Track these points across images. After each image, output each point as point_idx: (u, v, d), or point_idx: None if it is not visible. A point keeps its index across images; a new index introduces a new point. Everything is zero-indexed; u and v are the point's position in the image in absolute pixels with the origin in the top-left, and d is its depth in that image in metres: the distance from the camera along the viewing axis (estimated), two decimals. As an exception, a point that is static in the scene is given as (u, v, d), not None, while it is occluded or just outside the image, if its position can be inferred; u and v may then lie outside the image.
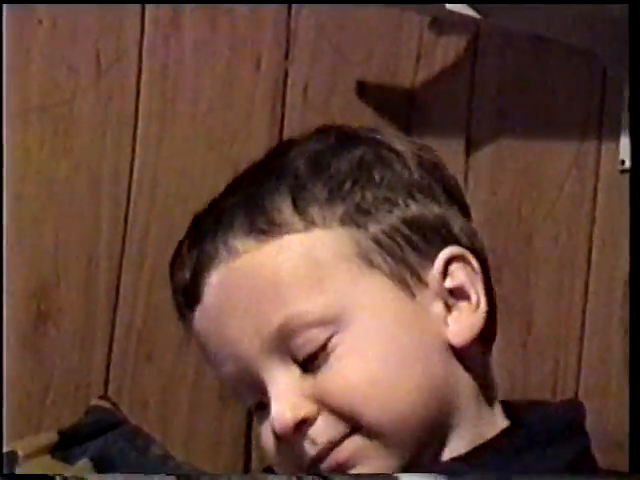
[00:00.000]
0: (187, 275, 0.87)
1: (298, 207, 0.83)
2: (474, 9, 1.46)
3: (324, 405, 0.83)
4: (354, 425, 0.82)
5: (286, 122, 1.52)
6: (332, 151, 0.87)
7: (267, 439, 0.86)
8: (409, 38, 1.58)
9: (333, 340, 0.82)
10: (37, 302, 1.47)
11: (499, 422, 0.88)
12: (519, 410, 0.89)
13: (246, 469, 1.48)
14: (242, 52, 1.51)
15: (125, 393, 1.46)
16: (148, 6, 1.47)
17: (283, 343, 0.83)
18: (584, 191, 1.57)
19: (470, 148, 1.58)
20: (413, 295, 0.84)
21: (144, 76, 1.49)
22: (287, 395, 0.84)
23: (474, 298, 0.85)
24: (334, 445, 0.83)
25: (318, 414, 0.83)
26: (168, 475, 1.14)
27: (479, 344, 0.86)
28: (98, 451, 1.26)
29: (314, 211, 0.83)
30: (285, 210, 0.83)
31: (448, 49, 1.58)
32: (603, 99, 1.57)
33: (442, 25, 1.55)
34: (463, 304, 0.85)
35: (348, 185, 0.84)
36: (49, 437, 1.29)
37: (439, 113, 1.58)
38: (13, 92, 1.42)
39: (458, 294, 0.85)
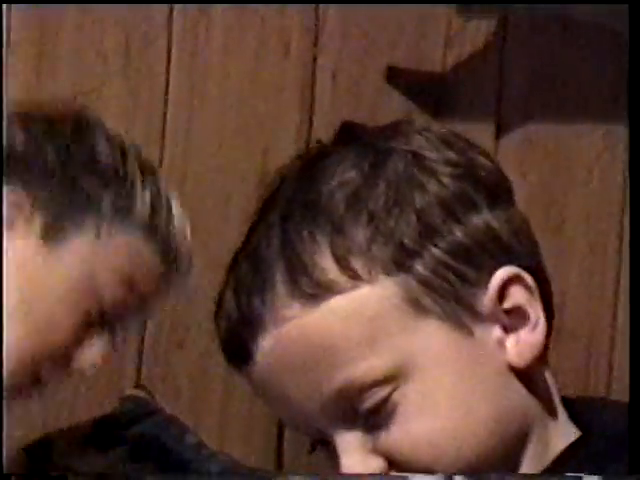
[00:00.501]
0: (233, 333, 0.85)
1: (340, 262, 0.80)
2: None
3: (392, 460, 0.81)
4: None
5: (316, 108, 1.51)
6: (367, 182, 0.82)
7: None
8: (438, 22, 1.56)
9: (395, 395, 0.80)
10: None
11: (567, 431, 0.86)
12: (582, 410, 0.88)
13: (279, 456, 1.49)
14: (271, 38, 1.50)
15: (157, 381, 1.47)
16: (177, -7, 1.47)
17: (346, 403, 0.81)
18: (615, 174, 1.56)
19: (500, 132, 1.56)
20: (471, 332, 0.81)
21: (173, 62, 1.48)
22: (356, 451, 0.82)
23: (533, 317, 0.82)
24: None
25: (388, 470, 0.81)
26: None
27: (539, 361, 0.84)
28: (133, 440, 1.26)
29: (357, 264, 0.80)
30: (329, 268, 0.80)
31: (477, 33, 1.56)
32: (632, 80, 1.56)
33: (470, 10, 1.54)
34: (521, 324, 0.83)
35: (389, 224, 0.81)
36: (84, 426, 1.29)
37: (468, 97, 1.57)
38: (43, 79, 1.42)
39: (515, 314, 0.82)
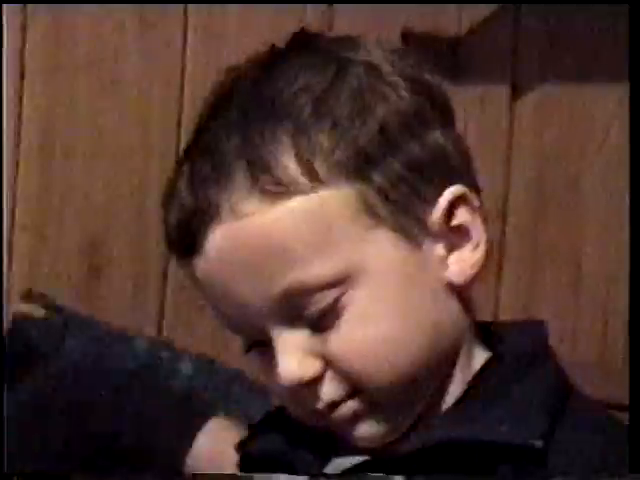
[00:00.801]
0: (185, 223, 0.86)
1: (303, 162, 0.82)
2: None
3: (331, 365, 0.84)
4: (359, 387, 0.84)
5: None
6: (332, 88, 0.84)
7: (270, 380, 0.88)
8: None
9: (342, 299, 0.83)
10: (89, 256, 1.51)
11: (482, 352, 0.90)
12: (492, 332, 0.92)
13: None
14: (287, 5, 1.54)
15: (178, 344, 1.51)
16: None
17: (292, 304, 0.84)
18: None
19: (516, 93, 1.59)
20: (419, 246, 0.84)
21: (189, 32, 1.52)
22: (295, 353, 0.85)
23: (475, 237, 0.85)
24: (337, 404, 0.84)
25: (324, 373, 0.84)
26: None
27: (476, 280, 0.87)
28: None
29: (320, 166, 0.81)
30: (291, 167, 0.81)
31: (491, -5, 1.60)
32: (648, 42, 1.57)
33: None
34: (464, 243, 0.86)
35: (352, 131, 0.83)
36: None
37: (484, 59, 1.60)
38: (62, 48, 1.46)
39: (459, 233, 0.86)
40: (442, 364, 0.87)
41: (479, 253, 0.86)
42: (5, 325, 1.40)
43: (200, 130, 0.88)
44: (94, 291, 1.53)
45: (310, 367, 0.85)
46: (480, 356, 0.90)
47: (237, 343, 1.48)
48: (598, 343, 1.55)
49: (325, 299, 0.83)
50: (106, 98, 1.48)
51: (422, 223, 0.84)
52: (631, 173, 1.13)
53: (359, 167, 0.82)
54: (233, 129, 0.84)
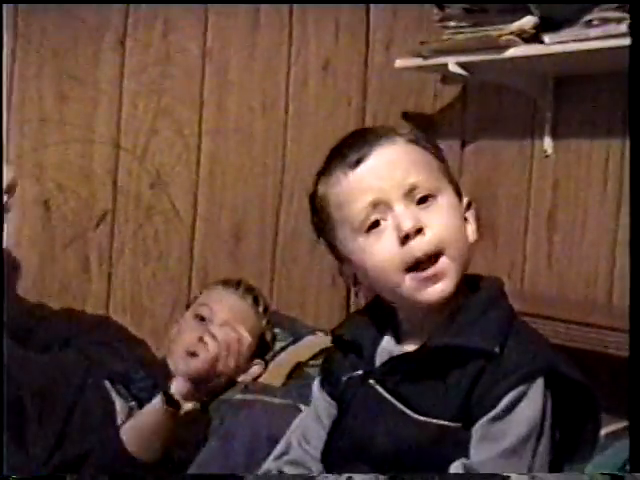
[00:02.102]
0: (356, 150, 1.37)
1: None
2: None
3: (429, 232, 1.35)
4: (443, 250, 1.35)
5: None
6: None
7: (385, 245, 1.35)
8: (429, 87, 2.87)
9: (438, 198, 1.37)
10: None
11: (464, 289, 1.41)
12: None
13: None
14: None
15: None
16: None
17: (411, 192, 1.35)
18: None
19: (463, 146, 2.85)
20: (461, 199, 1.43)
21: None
22: (411, 212, 1.35)
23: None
24: (428, 259, 1.35)
25: (425, 231, 1.35)
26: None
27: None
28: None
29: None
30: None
31: (452, 92, 2.86)
32: None
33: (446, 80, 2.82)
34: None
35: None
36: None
37: (446, 125, 2.87)
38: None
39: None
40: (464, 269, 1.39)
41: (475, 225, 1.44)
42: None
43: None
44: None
45: (419, 222, 1.34)
46: (464, 291, 1.39)
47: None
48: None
49: (428, 193, 1.37)
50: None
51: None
52: (631, 173, 1.50)
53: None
54: None
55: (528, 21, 2.34)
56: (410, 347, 1.41)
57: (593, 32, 2.20)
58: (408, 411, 1.36)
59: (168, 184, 2.66)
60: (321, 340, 2.43)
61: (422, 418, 1.35)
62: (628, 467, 1.81)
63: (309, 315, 2.79)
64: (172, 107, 2.65)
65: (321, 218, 1.43)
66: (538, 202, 2.74)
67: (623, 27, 2.14)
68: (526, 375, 1.31)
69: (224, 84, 2.72)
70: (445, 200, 1.38)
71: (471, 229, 1.43)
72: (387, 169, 1.37)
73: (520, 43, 2.37)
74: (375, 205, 1.35)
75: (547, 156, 2.70)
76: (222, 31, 2.70)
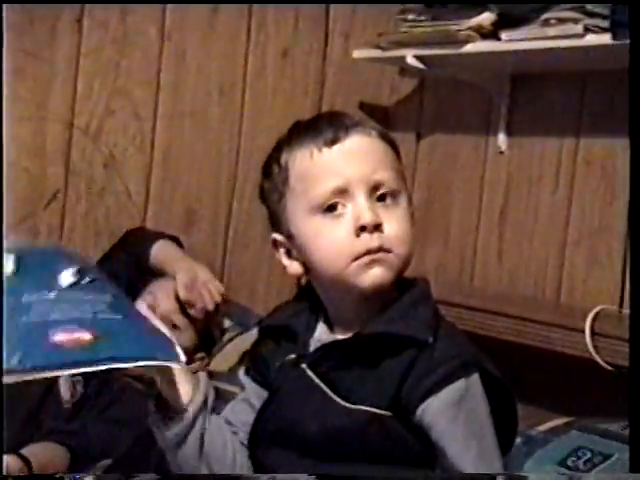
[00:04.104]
0: (334, 129, 1.37)
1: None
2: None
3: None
4: (389, 248, 1.36)
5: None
6: None
7: (340, 232, 1.35)
8: (385, 79, 2.87)
9: (397, 197, 1.38)
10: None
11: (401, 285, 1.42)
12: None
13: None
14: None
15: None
16: None
17: (376, 188, 1.36)
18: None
19: (418, 139, 2.87)
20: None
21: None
22: (372, 207, 1.35)
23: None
24: (375, 251, 1.34)
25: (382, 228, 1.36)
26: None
27: None
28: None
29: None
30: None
31: (409, 85, 2.87)
32: None
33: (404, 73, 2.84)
34: None
35: None
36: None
37: (402, 119, 2.88)
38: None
39: None
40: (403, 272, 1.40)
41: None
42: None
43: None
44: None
45: (379, 218, 1.35)
46: (400, 287, 1.42)
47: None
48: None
49: (388, 191, 1.37)
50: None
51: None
52: (631, 173, 1.49)
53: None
54: None
55: (486, 17, 2.37)
56: (342, 335, 1.41)
57: (550, 31, 2.23)
58: (337, 398, 1.36)
59: (121, 165, 2.64)
60: (269, 329, 2.42)
61: (351, 405, 1.35)
62: (570, 462, 1.85)
63: (259, 301, 2.79)
64: (128, 88, 2.64)
65: (275, 185, 1.41)
66: (490, 198, 2.77)
67: (579, 27, 2.17)
68: (459, 367, 1.33)
69: (181, 67, 2.72)
70: (402, 202, 1.40)
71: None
72: (360, 157, 1.38)
73: (478, 39, 2.40)
74: (340, 190, 1.36)
75: (501, 152, 2.73)
76: (181, 13, 2.69)
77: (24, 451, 1.97)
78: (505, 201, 2.71)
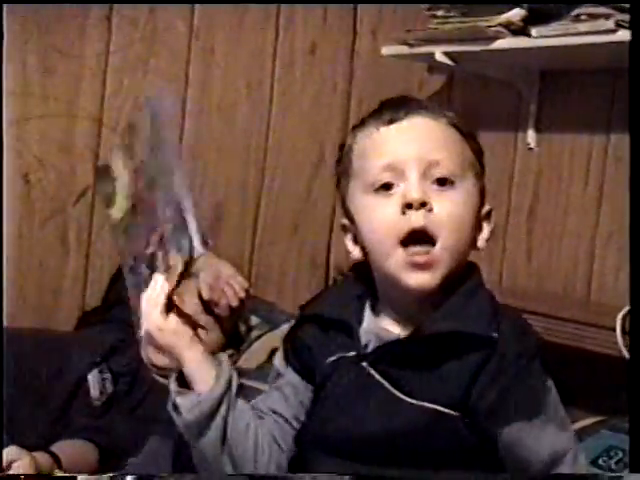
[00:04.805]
0: (394, 110, 1.37)
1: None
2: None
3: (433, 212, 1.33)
4: (438, 238, 1.33)
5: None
6: None
7: (387, 210, 1.33)
8: (414, 77, 2.86)
9: (459, 182, 1.34)
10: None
11: None
12: None
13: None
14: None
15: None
16: None
17: (430, 169, 1.33)
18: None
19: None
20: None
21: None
22: (422, 186, 1.33)
23: None
24: (425, 240, 1.32)
25: (429, 207, 1.32)
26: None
27: None
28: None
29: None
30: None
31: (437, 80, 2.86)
32: None
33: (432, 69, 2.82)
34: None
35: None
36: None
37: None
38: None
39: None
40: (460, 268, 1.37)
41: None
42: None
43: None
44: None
45: (427, 197, 1.32)
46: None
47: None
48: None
49: (448, 175, 1.34)
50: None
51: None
52: (631, 174, 1.47)
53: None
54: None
55: (516, 13, 2.35)
56: (393, 327, 1.39)
57: (580, 27, 2.21)
58: (402, 395, 1.34)
59: (150, 162, 2.63)
60: (298, 327, 2.43)
61: (418, 402, 1.32)
62: (602, 461, 1.83)
63: (287, 299, 2.78)
64: (157, 85, 2.62)
65: (343, 169, 1.43)
66: (520, 195, 2.75)
67: (610, 23, 2.14)
68: (526, 365, 1.32)
69: (210, 63, 2.71)
70: (462, 190, 1.36)
71: (481, 237, 1.41)
72: (416, 136, 1.37)
73: (507, 35, 2.37)
74: (392, 168, 1.35)
75: (530, 149, 2.71)
76: (209, 10, 2.69)
77: (54, 448, 1.97)
78: (534, 198, 2.69)
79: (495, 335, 1.32)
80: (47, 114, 2.49)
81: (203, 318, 2.27)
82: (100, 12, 2.54)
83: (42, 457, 1.91)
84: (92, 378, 2.16)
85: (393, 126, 1.37)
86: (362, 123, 1.42)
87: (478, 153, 1.41)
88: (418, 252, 1.33)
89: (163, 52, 2.64)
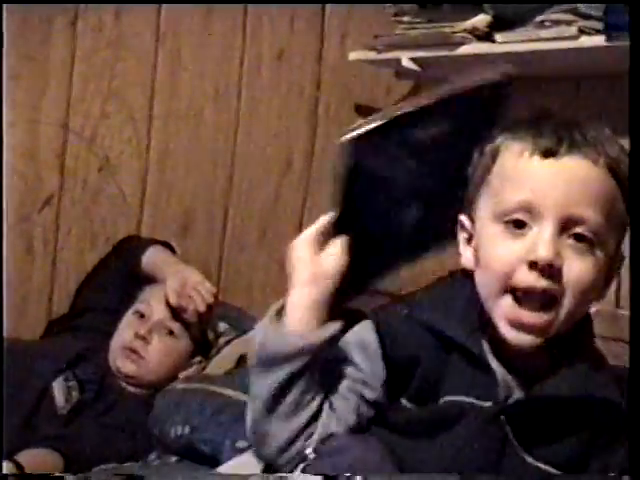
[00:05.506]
0: (557, 139, 1.20)
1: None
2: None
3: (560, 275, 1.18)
4: (561, 299, 1.19)
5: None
6: None
7: (510, 250, 1.20)
8: (382, 83, 2.86)
9: (601, 244, 1.20)
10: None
11: None
12: None
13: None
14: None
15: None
16: None
17: (573, 224, 1.19)
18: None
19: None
20: None
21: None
22: (556, 242, 1.18)
23: None
24: (539, 304, 1.19)
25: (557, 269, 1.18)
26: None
27: None
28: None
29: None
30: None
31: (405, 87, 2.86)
32: None
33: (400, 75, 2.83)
34: None
35: None
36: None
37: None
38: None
39: None
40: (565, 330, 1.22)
41: None
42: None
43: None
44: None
45: (558, 259, 1.18)
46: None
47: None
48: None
49: (589, 232, 1.19)
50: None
51: None
52: (631, 174, 1.36)
53: None
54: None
55: (481, 19, 2.36)
56: (505, 374, 1.26)
57: (544, 33, 2.22)
58: (526, 456, 1.24)
59: (116, 168, 2.63)
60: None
61: (539, 465, 1.24)
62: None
63: (255, 305, 2.77)
64: (123, 91, 2.62)
65: (482, 164, 1.26)
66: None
67: (573, 29, 2.16)
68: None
69: (176, 69, 2.70)
70: (601, 252, 1.22)
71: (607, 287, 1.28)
72: (568, 182, 1.20)
73: (473, 41, 2.39)
74: (530, 208, 1.20)
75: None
76: (175, 15, 2.68)
77: (18, 457, 1.96)
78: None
79: (623, 403, 1.24)
80: (12, 120, 2.47)
81: (173, 324, 2.28)
82: (65, 18, 2.52)
83: (7, 466, 1.90)
84: (57, 386, 2.16)
85: (548, 161, 1.20)
86: (517, 129, 1.25)
87: (626, 195, 1.25)
88: (529, 314, 1.21)
89: (129, 57, 2.62)
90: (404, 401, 1.28)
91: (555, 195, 1.19)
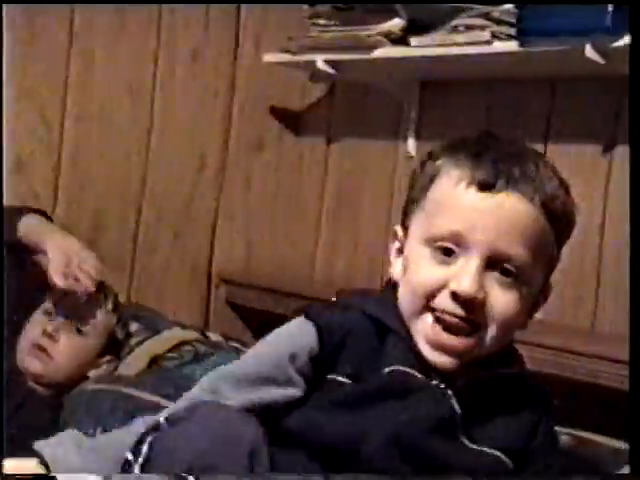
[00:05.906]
0: (496, 174, 1.20)
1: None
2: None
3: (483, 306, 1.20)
4: (484, 326, 1.21)
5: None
6: None
7: (435, 274, 1.21)
8: (296, 85, 2.86)
9: (527, 281, 1.22)
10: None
11: None
12: None
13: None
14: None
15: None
16: None
17: (500, 261, 1.20)
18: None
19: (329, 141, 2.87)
20: None
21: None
22: (478, 277, 1.19)
23: None
24: (460, 328, 1.20)
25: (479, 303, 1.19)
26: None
27: None
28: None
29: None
30: None
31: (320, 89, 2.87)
32: None
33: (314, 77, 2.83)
34: None
35: None
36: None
37: (311, 121, 2.87)
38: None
39: None
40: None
41: None
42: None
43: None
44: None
45: (481, 293, 1.20)
46: None
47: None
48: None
49: (514, 267, 1.21)
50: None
51: None
52: (631, 174, 1.43)
53: None
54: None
55: (396, 23, 2.38)
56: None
57: (458, 38, 2.25)
58: (465, 439, 1.25)
59: (29, 168, 2.59)
60: (178, 333, 2.44)
61: (479, 447, 1.25)
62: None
63: (168, 306, 2.76)
64: (35, 90, 2.58)
65: (420, 184, 1.27)
66: (401, 202, 2.73)
67: (486, 34, 2.19)
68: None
69: (89, 68, 2.67)
70: (527, 281, 1.24)
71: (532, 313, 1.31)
72: (501, 222, 1.21)
73: (387, 44, 2.41)
74: (460, 240, 1.21)
75: (411, 157, 2.74)
76: (89, 14, 2.65)
77: None
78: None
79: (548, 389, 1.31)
80: None
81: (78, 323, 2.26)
82: (-24, 16, 2.48)
83: None
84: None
85: (484, 195, 1.21)
86: (457, 154, 1.24)
87: (564, 235, 1.28)
88: (449, 337, 1.22)
89: (42, 56, 2.59)
90: (340, 378, 1.26)
91: (486, 231, 1.20)
